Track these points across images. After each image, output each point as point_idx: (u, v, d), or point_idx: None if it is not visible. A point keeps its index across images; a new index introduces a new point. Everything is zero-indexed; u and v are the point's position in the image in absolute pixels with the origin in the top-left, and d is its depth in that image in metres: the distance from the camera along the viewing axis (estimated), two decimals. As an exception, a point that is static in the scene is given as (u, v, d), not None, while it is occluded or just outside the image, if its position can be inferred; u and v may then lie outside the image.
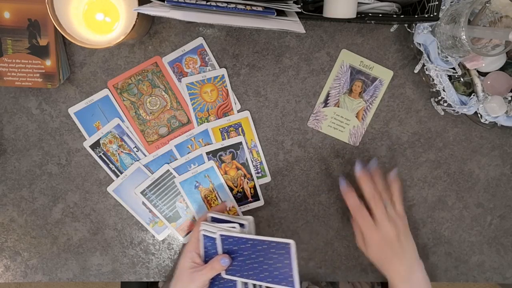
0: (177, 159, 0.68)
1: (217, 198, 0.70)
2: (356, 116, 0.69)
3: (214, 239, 0.57)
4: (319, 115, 0.68)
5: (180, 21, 0.65)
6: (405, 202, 0.72)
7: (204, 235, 0.58)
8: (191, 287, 0.57)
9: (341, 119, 0.69)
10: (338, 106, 0.69)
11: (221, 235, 0.57)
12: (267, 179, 0.70)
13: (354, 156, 0.70)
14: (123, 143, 0.68)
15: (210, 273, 0.56)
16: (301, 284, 0.74)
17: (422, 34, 0.61)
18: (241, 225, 0.58)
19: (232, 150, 0.68)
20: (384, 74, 0.68)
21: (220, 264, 0.56)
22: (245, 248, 0.56)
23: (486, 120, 0.64)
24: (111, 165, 0.68)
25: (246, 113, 0.68)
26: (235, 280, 0.57)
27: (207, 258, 0.58)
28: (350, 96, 0.68)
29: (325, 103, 0.68)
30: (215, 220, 0.60)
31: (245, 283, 0.58)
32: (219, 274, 0.58)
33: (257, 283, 0.57)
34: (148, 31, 0.65)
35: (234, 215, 0.70)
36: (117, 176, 0.68)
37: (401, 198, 0.63)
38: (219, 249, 0.57)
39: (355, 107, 0.69)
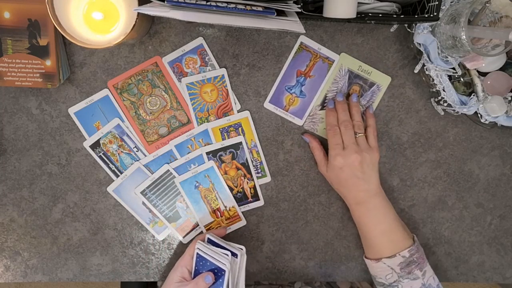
0: (177, 159, 0.68)
1: (217, 198, 0.70)
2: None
3: (205, 259, 0.59)
4: (315, 118, 0.68)
5: (180, 21, 0.65)
6: (405, 202, 0.72)
7: (198, 254, 0.60)
8: None
9: (340, 120, 0.69)
10: (337, 107, 0.68)
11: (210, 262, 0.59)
12: (267, 179, 0.70)
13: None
14: (123, 143, 0.68)
15: None
16: (294, 284, 0.74)
17: (422, 34, 0.61)
18: (233, 254, 0.60)
19: (232, 150, 0.68)
20: (382, 80, 0.67)
21: (204, 281, 0.58)
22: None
23: (486, 120, 0.64)
24: (111, 165, 0.68)
25: (246, 113, 0.68)
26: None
27: (196, 275, 0.60)
28: (347, 100, 0.68)
29: (322, 106, 0.68)
30: (211, 242, 0.62)
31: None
32: None
33: None
34: (148, 31, 0.65)
35: (233, 221, 0.70)
36: (117, 176, 0.68)
37: (375, 133, 0.65)
38: (207, 269, 0.60)
39: (355, 107, 0.68)
